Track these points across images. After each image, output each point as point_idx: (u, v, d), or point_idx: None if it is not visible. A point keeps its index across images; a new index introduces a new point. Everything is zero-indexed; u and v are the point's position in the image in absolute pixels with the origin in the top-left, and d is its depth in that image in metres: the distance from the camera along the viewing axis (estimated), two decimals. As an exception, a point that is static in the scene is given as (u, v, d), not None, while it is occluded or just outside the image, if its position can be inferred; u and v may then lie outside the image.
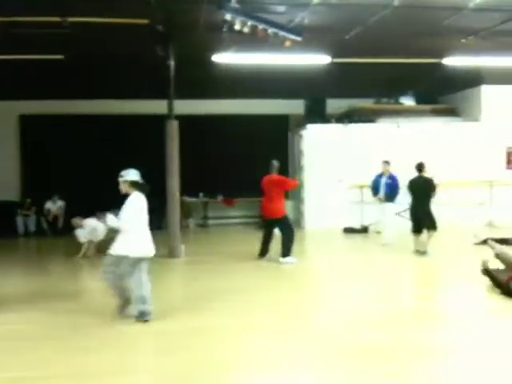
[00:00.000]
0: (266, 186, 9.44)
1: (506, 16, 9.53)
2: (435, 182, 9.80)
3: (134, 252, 5.72)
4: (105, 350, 5.02)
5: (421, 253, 9.66)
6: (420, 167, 9.83)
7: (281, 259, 9.17)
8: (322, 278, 8.56)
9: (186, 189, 12.34)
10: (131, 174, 5.87)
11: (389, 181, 10.75)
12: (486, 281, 7.18)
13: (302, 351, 4.95)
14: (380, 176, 10.90)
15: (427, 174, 9.85)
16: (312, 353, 4.91)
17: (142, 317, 5.78)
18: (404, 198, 10.54)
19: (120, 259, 5.74)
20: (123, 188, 5.87)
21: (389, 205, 10.76)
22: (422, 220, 9.69)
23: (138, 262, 5.76)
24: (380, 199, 10.84)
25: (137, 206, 5.77)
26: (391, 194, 10.74)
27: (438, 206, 10.03)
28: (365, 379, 4.34)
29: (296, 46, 9.72)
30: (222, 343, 5.20)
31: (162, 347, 5.24)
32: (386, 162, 10.93)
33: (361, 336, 5.37)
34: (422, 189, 9.70)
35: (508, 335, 5.43)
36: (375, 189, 10.97)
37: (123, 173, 5.88)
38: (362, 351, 4.93)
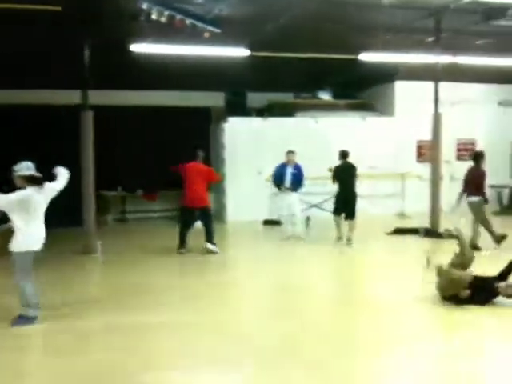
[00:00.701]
0: (192, 173, 9.36)
1: (420, 14, 9.96)
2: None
3: (17, 247, 5.46)
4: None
5: (345, 242, 10.03)
6: (344, 154, 10.34)
7: (208, 245, 9.22)
8: (241, 271, 8.60)
9: (104, 183, 12.01)
10: (24, 169, 5.59)
11: (294, 171, 10.50)
12: (402, 267, 7.54)
13: (220, 346, 4.95)
14: (284, 166, 10.59)
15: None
16: (229, 348, 4.92)
17: (25, 320, 5.50)
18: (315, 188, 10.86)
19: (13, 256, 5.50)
20: (18, 183, 5.59)
21: (295, 195, 10.62)
22: (347, 204, 10.10)
23: (23, 257, 5.48)
24: (286, 189, 10.53)
25: (14, 198, 5.42)
26: (297, 183, 10.56)
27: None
28: (279, 371, 4.40)
29: (215, 38, 9.69)
30: (135, 341, 5.09)
31: (69, 347, 5.03)
32: (291, 152, 10.65)
33: (281, 324, 5.45)
34: (349, 174, 10.16)
35: (424, 323, 5.68)
36: (278, 178, 10.65)
37: (16, 167, 5.60)
38: (276, 343, 5.00)
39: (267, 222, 12.82)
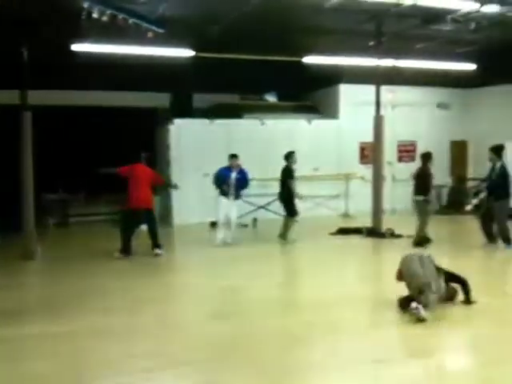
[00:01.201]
0: (138, 175, 9.21)
1: (362, 17, 10.18)
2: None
3: None
4: None
5: (285, 241, 10.26)
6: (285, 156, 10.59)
7: (157, 250, 9.14)
8: (182, 273, 8.53)
9: (44, 185, 11.65)
10: None
11: (238, 175, 10.02)
12: (343, 265, 7.68)
13: (152, 348, 4.90)
14: (228, 169, 10.08)
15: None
16: (161, 349, 4.88)
17: None
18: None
19: None
20: None
21: (236, 201, 10.13)
22: (283, 203, 10.43)
23: None
24: (228, 192, 10.01)
25: None
26: (240, 189, 10.13)
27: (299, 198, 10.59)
28: (215, 372, 4.40)
29: (159, 38, 9.60)
30: (67, 349, 4.97)
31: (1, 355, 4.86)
32: (235, 156, 10.16)
33: (211, 327, 5.45)
34: (284, 175, 10.43)
35: (357, 324, 5.79)
36: (220, 180, 10.13)
37: None
38: (213, 343, 5.01)
39: (214, 224, 12.75)
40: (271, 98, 15.25)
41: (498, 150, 9.46)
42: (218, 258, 9.17)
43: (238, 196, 10.12)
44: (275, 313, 6.05)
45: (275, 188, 11.13)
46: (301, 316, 5.89)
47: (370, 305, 6.31)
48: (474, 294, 6.03)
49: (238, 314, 5.94)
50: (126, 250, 9.11)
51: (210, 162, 13.13)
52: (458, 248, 9.73)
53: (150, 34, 9.30)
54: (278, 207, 11.84)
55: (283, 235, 10.32)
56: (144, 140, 14.06)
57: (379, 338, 5.17)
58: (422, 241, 9.48)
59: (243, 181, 10.14)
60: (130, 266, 8.71)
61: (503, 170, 9.24)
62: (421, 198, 9.88)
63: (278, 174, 10.72)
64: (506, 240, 9.21)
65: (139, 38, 9.64)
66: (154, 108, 15.05)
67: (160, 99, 14.59)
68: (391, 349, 4.91)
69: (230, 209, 10.02)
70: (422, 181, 9.90)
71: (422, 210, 9.91)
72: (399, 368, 4.44)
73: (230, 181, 10.00)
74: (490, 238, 9.46)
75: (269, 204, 12.83)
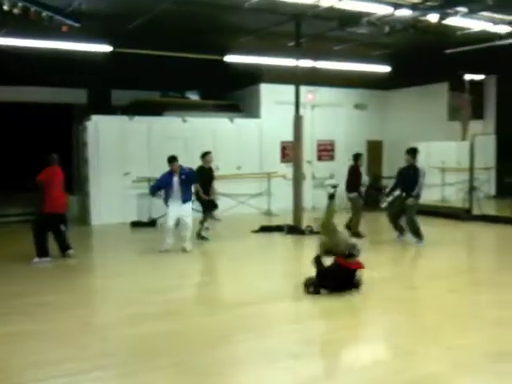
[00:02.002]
0: (56, 178, 8.82)
1: (281, 18, 10.32)
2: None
3: None
4: None
5: (202, 238, 10.32)
6: (204, 155, 10.60)
7: (70, 251, 8.79)
8: (102, 273, 8.30)
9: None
10: None
11: (183, 177, 9.32)
12: (268, 265, 7.75)
13: (73, 353, 4.75)
14: (170, 174, 9.30)
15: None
16: (82, 354, 4.73)
17: None
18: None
19: None
20: None
21: (187, 205, 9.34)
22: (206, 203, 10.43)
23: None
24: (177, 199, 9.21)
25: None
26: (188, 191, 9.41)
27: (222, 197, 10.62)
28: (136, 374, 4.32)
29: (75, 33, 9.29)
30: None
31: None
32: (174, 159, 9.39)
33: (139, 328, 5.35)
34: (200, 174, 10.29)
35: (279, 319, 5.87)
36: (156, 188, 9.54)
37: None
38: (135, 345, 4.92)
39: (135, 224, 12.52)
40: (193, 96, 15.16)
41: (413, 152, 9.94)
42: (139, 260, 8.99)
43: (187, 198, 9.30)
44: (198, 312, 6.01)
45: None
46: (224, 314, 5.89)
47: (291, 300, 6.40)
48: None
49: (161, 314, 5.85)
50: (44, 253, 8.71)
51: (130, 161, 12.92)
52: (372, 242, 10.06)
53: (64, 28, 8.98)
54: (199, 205, 11.85)
55: (199, 234, 10.39)
56: (60, 138, 13.61)
57: (299, 333, 5.27)
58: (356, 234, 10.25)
59: (188, 181, 9.37)
60: (48, 269, 8.35)
61: (417, 170, 9.70)
62: (354, 194, 10.80)
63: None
64: (418, 235, 9.67)
65: (54, 32, 9.30)
66: (70, 104, 14.57)
67: (77, 95, 14.15)
68: (310, 343, 5.00)
69: (181, 214, 9.24)
70: (354, 179, 10.87)
71: (355, 206, 10.81)
72: (316, 363, 4.54)
73: (174, 186, 9.20)
74: (401, 229, 10.01)
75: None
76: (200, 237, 10.35)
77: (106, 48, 10.68)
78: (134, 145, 13.00)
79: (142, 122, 13.21)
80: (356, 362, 4.67)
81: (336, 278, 6.37)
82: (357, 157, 11.16)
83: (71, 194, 12.15)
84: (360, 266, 6.45)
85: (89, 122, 12.81)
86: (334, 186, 8.28)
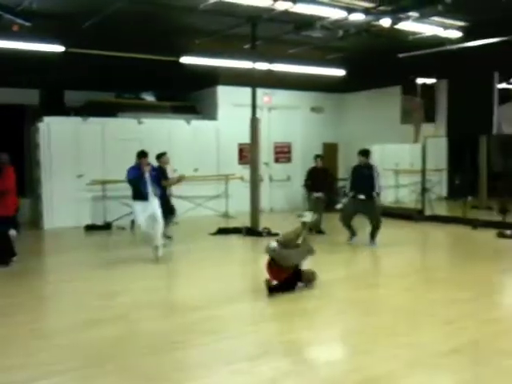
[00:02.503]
0: (13, 180, 8.52)
1: (237, 21, 10.31)
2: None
3: None
4: None
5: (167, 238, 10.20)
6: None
7: (13, 259, 8.51)
8: (54, 278, 8.06)
9: None
10: None
11: (153, 173, 9.04)
12: (225, 268, 7.72)
13: (22, 360, 4.61)
14: (139, 170, 8.86)
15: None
16: (32, 360, 4.61)
17: None
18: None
19: None
20: None
21: (156, 201, 8.92)
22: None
23: None
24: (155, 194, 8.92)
25: None
26: (157, 184, 9.09)
27: (178, 199, 10.53)
28: (87, 381, 4.23)
29: (27, 32, 9.06)
30: None
31: None
32: (144, 154, 8.99)
33: (90, 333, 5.24)
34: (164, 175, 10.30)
35: (234, 322, 5.85)
36: (142, 186, 8.80)
37: None
38: (87, 350, 4.83)
39: (89, 228, 12.27)
40: (149, 97, 14.99)
41: (366, 153, 10.09)
42: (92, 264, 8.79)
43: (157, 194, 8.95)
44: (152, 316, 5.92)
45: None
46: (178, 318, 5.83)
47: (248, 302, 6.40)
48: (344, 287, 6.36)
49: (112, 319, 5.74)
50: (3, 261, 8.40)
51: (83, 163, 12.66)
52: (327, 243, 10.16)
53: (15, 27, 8.74)
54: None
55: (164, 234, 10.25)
56: (11, 139, 13.20)
57: (256, 335, 5.26)
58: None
59: (158, 177, 9.32)
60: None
61: (372, 168, 9.86)
62: (320, 194, 11.24)
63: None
64: (374, 237, 9.83)
65: (4, 31, 9.04)
66: (22, 105, 14.17)
67: (29, 96, 13.77)
68: (266, 345, 5.00)
69: (151, 210, 8.75)
70: (323, 179, 11.41)
71: (321, 205, 11.23)
72: (273, 364, 4.54)
73: (146, 183, 8.81)
74: (353, 231, 10.15)
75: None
76: (165, 237, 10.23)
77: (59, 48, 10.43)
78: (87, 147, 12.75)
79: (95, 124, 12.96)
80: (312, 362, 4.71)
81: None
82: (323, 157, 11.83)
83: (23, 196, 11.82)
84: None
85: (41, 123, 12.49)
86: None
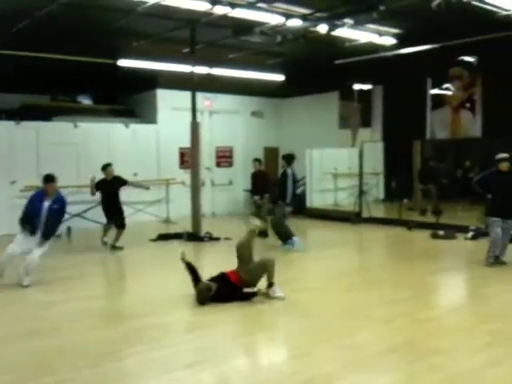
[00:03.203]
0: None
1: (176, 24, 10.23)
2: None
3: None
4: None
5: (114, 247, 10.05)
6: (106, 167, 10.23)
7: None
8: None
9: None
10: None
11: (54, 205, 7.39)
12: (164, 274, 7.59)
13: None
14: (41, 196, 7.44)
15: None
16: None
17: None
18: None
19: None
20: None
21: (44, 243, 7.42)
22: (115, 216, 10.17)
23: None
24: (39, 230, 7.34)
25: None
26: (52, 227, 7.48)
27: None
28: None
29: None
30: None
31: None
32: (50, 179, 7.47)
33: (27, 345, 5.04)
34: (111, 188, 10.14)
35: (172, 329, 5.77)
36: (29, 216, 7.35)
37: None
38: (21, 362, 4.65)
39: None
40: (85, 101, 14.64)
41: (287, 158, 10.18)
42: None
43: (48, 234, 7.44)
44: (89, 326, 5.75)
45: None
46: (115, 327, 5.69)
47: (186, 309, 6.33)
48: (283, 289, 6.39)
49: (50, 330, 5.54)
50: None
51: (17, 168, 12.19)
52: (268, 247, 10.21)
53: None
54: (96, 215, 11.45)
55: (115, 246, 10.13)
56: None
57: (194, 342, 5.21)
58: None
59: (59, 214, 7.59)
60: None
61: (286, 176, 9.87)
62: (258, 197, 11.45)
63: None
64: (286, 239, 9.89)
65: None
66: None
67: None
68: (207, 351, 4.96)
69: (32, 247, 7.35)
70: (259, 183, 11.51)
71: (262, 210, 11.44)
72: (213, 370, 4.51)
73: (42, 213, 7.32)
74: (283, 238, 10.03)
75: (85, 212, 12.27)
76: (114, 247, 10.05)
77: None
78: (21, 151, 12.27)
79: (29, 128, 12.49)
80: (252, 366, 4.71)
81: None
82: (259, 161, 11.94)
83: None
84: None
85: (-31, 127, 11.93)
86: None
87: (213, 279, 6.48)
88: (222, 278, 6.49)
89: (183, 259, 6.64)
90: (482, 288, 7.33)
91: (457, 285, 7.93)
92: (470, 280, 8.03)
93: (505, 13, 9.38)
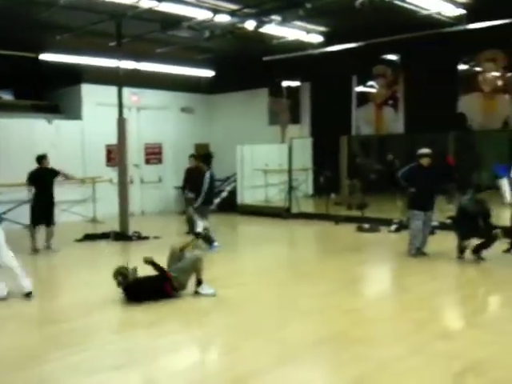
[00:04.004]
0: None
1: (101, 17, 9.95)
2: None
3: None
4: None
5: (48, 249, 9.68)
6: (41, 158, 9.78)
7: None
8: None
9: None
10: None
11: None
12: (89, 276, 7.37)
13: None
14: None
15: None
16: None
17: None
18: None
19: None
20: None
21: None
22: (47, 210, 9.73)
23: None
24: None
25: None
26: None
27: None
28: None
29: None
30: None
31: None
32: None
33: None
34: (47, 180, 9.74)
35: (97, 332, 5.61)
36: None
37: None
38: None
39: None
40: (6, 96, 13.96)
41: (205, 158, 10.12)
42: None
43: None
44: (10, 331, 5.49)
45: (14, 194, 10.26)
46: (38, 332, 5.49)
47: (113, 310, 6.17)
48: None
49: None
50: None
51: None
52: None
53: None
54: (17, 215, 10.98)
55: (50, 246, 9.77)
56: None
57: (120, 343, 5.08)
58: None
59: None
60: None
61: (210, 177, 9.60)
62: (192, 195, 10.47)
63: (18, 178, 9.98)
64: (209, 242, 9.62)
65: None
66: None
67: None
68: (132, 352, 4.85)
69: None
70: (194, 180, 10.55)
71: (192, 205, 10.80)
72: (139, 371, 4.42)
73: None
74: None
75: (4, 213, 11.68)
76: (49, 248, 9.71)
77: None
78: None
79: None
80: (180, 365, 4.64)
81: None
82: (195, 156, 11.43)
83: None
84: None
85: None
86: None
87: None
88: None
89: (147, 261, 6.39)
90: (404, 278, 7.63)
91: (381, 275, 8.21)
92: (393, 270, 8.33)
93: (425, 12, 9.79)
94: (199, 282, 6.52)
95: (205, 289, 6.50)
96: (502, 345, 4.85)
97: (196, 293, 6.47)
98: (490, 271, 7.91)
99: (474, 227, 8.06)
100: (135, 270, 6.46)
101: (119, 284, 6.32)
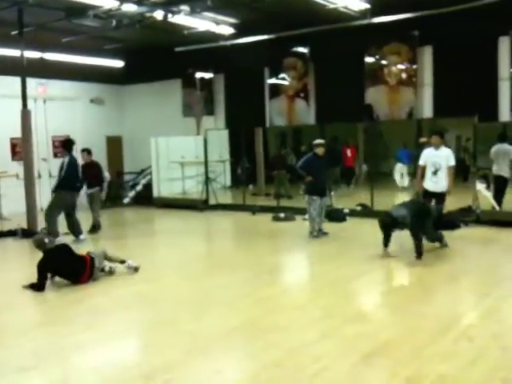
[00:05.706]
0: None
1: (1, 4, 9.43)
2: None
3: None
4: None
5: None
6: None
7: None
8: None
9: None
10: None
11: None
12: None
13: None
14: None
15: None
16: None
17: None
18: None
19: None
20: None
21: None
22: None
23: None
24: None
25: None
26: None
27: None
28: None
29: None
30: None
31: None
32: None
33: None
34: None
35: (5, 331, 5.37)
36: None
37: None
38: None
39: None
40: None
41: (66, 144, 10.00)
42: None
43: None
44: None
45: None
46: None
47: (24, 309, 5.90)
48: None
49: None
50: None
51: None
52: (105, 239, 9.95)
53: None
54: None
55: None
56: None
57: (28, 344, 4.87)
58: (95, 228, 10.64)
59: None
60: None
61: (69, 163, 9.52)
62: (94, 190, 10.68)
63: None
64: (77, 233, 9.71)
65: None
66: None
67: None
68: (40, 353, 4.66)
69: None
70: (94, 174, 10.57)
71: (96, 200, 10.82)
72: (50, 372, 4.27)
73: None
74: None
75: None
76: None
77: None
78: None
79: None
80: (91, 364, 4.50)
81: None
82: (88, 151, 10.95)
83: None
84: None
85: None
86: None
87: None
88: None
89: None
90: (317, 265, 7.83)
91: (295, 263, 8.38)
92: (306, 258, 8.54)
93: (332, 6, 10.05)
94: (122, 262, 7.08)
95: (131, 263, 7.12)
96: (406, 326, 5.10)
97: (127, 267, 7.09)
98: (401, 257, 8.18)
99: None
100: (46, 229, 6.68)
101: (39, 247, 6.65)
